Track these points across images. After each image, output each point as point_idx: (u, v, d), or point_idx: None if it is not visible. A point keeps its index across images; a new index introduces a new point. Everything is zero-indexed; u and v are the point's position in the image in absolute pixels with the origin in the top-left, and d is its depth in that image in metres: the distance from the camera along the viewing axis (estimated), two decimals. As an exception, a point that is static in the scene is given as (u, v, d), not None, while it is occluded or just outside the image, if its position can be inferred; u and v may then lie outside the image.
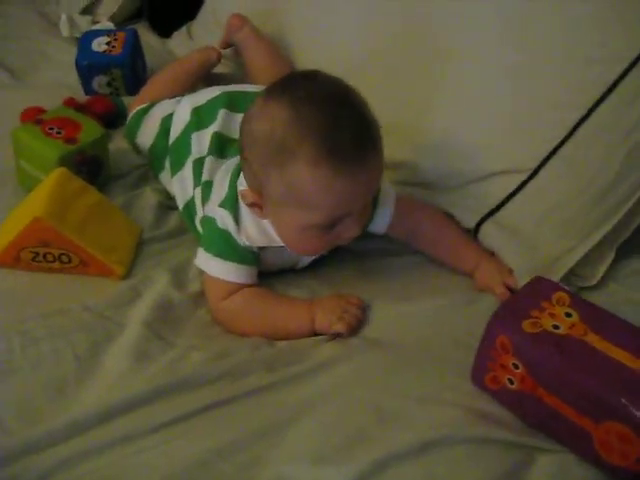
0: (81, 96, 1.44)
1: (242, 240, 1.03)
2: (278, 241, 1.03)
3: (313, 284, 1.11)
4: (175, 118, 1.23)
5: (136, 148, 1.31)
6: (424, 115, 1.19)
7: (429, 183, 1.18)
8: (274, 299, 1.05)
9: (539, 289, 0.90)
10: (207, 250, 1.05)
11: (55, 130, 1.17)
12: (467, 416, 0.87)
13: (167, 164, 1.22)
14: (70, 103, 1.33)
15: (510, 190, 1.09)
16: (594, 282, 1.06)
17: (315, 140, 0.90)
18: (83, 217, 1.07)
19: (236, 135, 1.13)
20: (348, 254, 1.14)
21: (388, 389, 0.90)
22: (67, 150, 1.15)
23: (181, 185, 1.18)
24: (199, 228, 1.13)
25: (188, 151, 1.18)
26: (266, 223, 1.03)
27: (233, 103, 1.21)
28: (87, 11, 1.69)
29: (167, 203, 1.23)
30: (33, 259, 1.06)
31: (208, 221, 1.07)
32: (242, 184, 1.03)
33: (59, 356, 0.95)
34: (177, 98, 1.28)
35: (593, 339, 0.82)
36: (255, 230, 1.03)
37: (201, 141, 1.17)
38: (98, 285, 1.07)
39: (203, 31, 1.61)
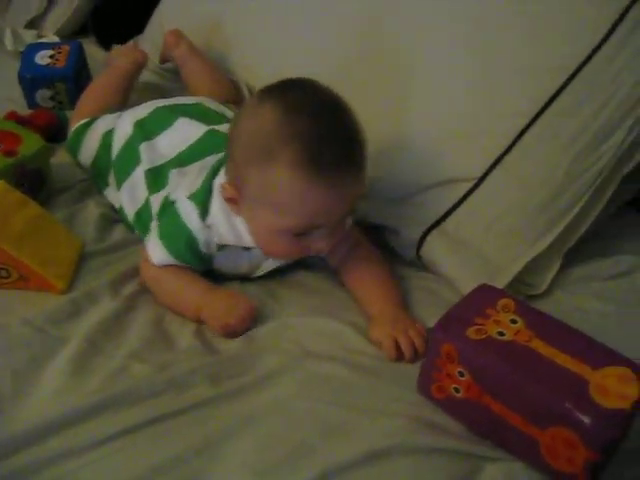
0: (24, 110, 1.41)
1: (202, 237, 1.03)
2: (247, 241, 1.04)
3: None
4: (117, 132, 1.22)
5: (79, 164, 1.29)
6: (370, 125, 1.18)
7: (375, 194, 1.17)
8: (181, 278, 1.04)
9: (483, 296, 0.89)
10: (159, 238, 1.05)
11: (-6, 143, 1.15)
12: (413, 426, 0.86)
13: (111, 179, 1.21)
14: (12, 116, 1.31)
15: (455, 200, 1.09)
16: (541, 290, 1.07)
17: (298, 146, 0.91)
18: (22, 231, 1.04)
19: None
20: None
21: (333, 402, 0.89)
22: (6, 163, 1.12)
23: (130, 195, 1.17)
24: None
25: (136, 162, 1.17)
26: (238, 221, 1.03)
27: (181, 114, 1.21)
28: (32, 25, 1.67)
29: (111, 216, 1.21)
30: (-30, 274, 1.03)
31: (171, 208, 1.07)
32: (222, 177, 1.04)
33: (-7, 372, 0.92)
34: (117, 113, 1.28)
35: (538, 345, 0.82)
36: (226, 227, 1.04)
37: (154, 151, 1.17)
38: (38, 300, 1.04)
39: (150, 45, 1.58)
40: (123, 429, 0.84)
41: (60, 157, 1.31)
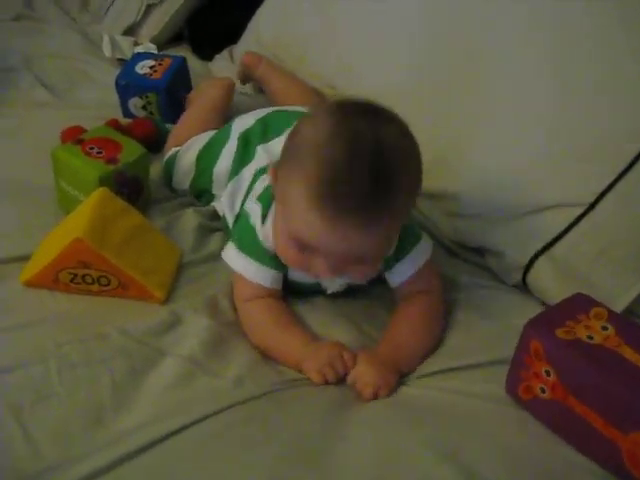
0: (122, 118, 1.43)
1: (262, 239, 1.02)
2: None
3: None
4: (231, 131, 1.22)
5: (173, 190, 1.30)
6: (474, 143, 1.16)
7: (477, 216, 1.14)
8: (283, 322, 1.02)
9: (577, 303, 0.90)
10: (234, 242, 1.05)
11: (95, 150, 1.15)
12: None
13: (216, 193, 1.21)
14: (112, 124, 1.31)
15: (565, 225, 1.05)
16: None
17: (317, 168, 0.86)
18: (123, 239, 1.04)
19: None
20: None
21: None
22: (107, 170, 1.12)
23: (230, 201, 1.16)
24: None
25: (249, 159, 1.17)
26: None
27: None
28: (129, 32, 1.68)
29: (209, 225, 1.20)
30: (72, 280, 1.03)
31: (243, 215, 1.06)
32: None
33: (96, 382, 0.92)
34: (208, 133, 1.28)
35: (626, 351, 0.82)
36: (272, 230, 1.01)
37: (268, 154, 1.15)
38: (137, 309, 1.04)
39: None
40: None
41: (157, 168, 1.31)
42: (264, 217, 1.02)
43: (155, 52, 1.57)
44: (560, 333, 0.84)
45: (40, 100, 1.49)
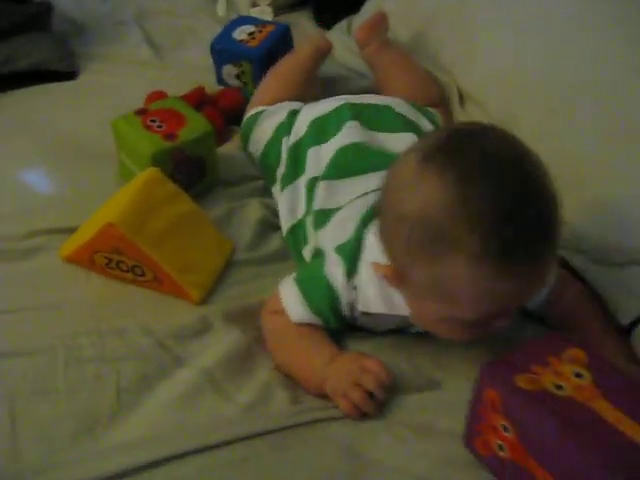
0: (215, 84, 1.33)
1: (345, 298, 0.87)
2: (403, 311, 0.85)
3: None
4: (294, 128, 1.09)
5: (249, 155, 1.18)
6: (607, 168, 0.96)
7: (586, 252, 0.95)
8: (307, 339, 0.88)
9: (550, 343, 0.75)
10: (298, 284, 0.90)
11: (156, 123, 1.05)
12: None
13: (278, 176, 1.09)
14: (197, 92, 1.22)
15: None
16: None
17: (483, 234, 0.71)
18: (165, 228, 0.95)
19: (365, 155, 1.01)
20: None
21: None
22: (163, 147, 1.02)
23: (289, 205, 1.04)
24: (306, 258, 0.99)
25: (302, 168, 1.05)
26: (393, 291, 0.84)
27: (361, 116, 1.06)
28: (249, -7, 1.58)
29: (273, 221, 1.08)
30: (107, 264, 0.96)
31: (318, 257, 0.93)
32: (373, 235, 0.85)
33: (101, 384, 0.86)
34: (293, 104, 1.15)
35: (602, 407, 0.68)
36: (376, 292, 0.86)
37: (319, 158, 1.04)
38: (169, 306, 0.95)
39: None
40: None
41: (237, 144, 1.20)
42: (350, 274, 0.87)
43: (267, 18, 1.45)
44: (521, 381, 0.70)
45: (143, 59, 1.42)
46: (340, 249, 0.89)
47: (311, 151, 1.04)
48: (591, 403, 0.68)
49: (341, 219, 0.95)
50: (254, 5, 1.54)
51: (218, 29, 1.45)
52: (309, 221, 0.99)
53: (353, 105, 1.08)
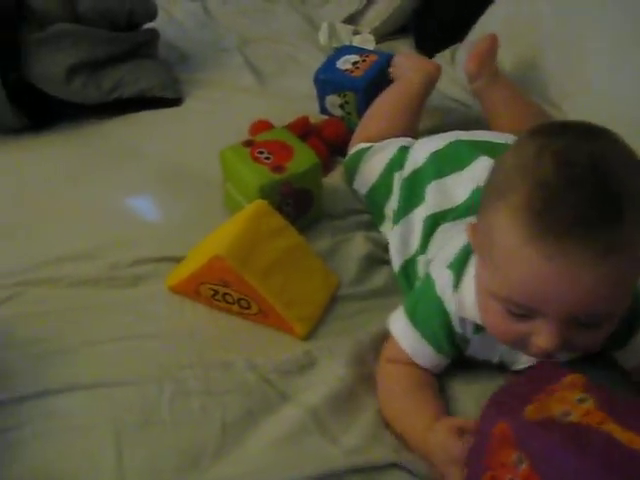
0: (318, 113, 1.33)
1: (452, 309, 0.84)
2: None
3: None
4: (408, 162, 1.07)
5: (353, 191, 1.16)
6: None
7: None
8: (413, 398, 0.85)
9: (546, 372, 0.72)
10: (408, 315, 0.88)
11: (264, 155, 1.05)
12: None
13: (388, 212, 1.07)
14: (300, 122, 1.22)
15: None
16: None
17: (530, 189, 0.69)
18: (272, 262, 0.94)
19: None
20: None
21: None
22: (271, 179, 1.02)
23: (402, 239, 1.02)
24: None
25: (418, 201, 1.02)
26: None
27: (484, 152, 1.01)
28: (351, 20, 1.58)
29: (379, 256, 1.06)
30: (212, 296, 0.96)
31: (426, 281, 0.89)
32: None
33: (206, 418, 0.85)
34: (402, 140, 1.13)
35: (613, 429, 0.65)
36: (473, 300, 0.83)
37: (442, 193, 1.00)
38: (273, 340, 0.94)
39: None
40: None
41: (340, 176, 1.19)
42: (457, 283, 0.85)
43: (369, 46, 1.44)
44: (530, 412, 0.67)
45: (244, 85, 1.44)
46: (451, 265, 0.87)
47: (432, 185, 1.01)
48: (602, 426, 0.65)
49: (453, 238, 0.92)
50: (356, 33, 1.54)
51: (320, 57, 1.47)
52: (422, 260, 0.97)
53: (471, 142, 1.05)
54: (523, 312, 0.73)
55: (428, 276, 0.89)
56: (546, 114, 1.22)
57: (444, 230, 0.96)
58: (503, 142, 1.04)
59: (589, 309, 0.71)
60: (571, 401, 0.68)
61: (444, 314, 0.85)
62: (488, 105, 1.24)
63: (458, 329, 0.86)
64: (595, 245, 0.67)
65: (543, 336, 0.72)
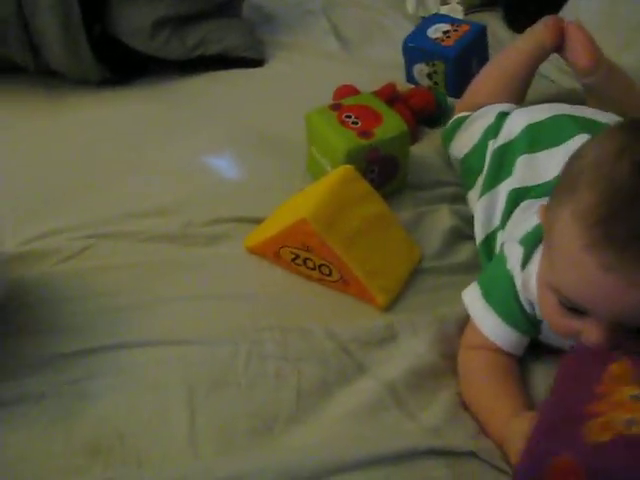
0: (404, 82, 1.28)
1: (520, 287, 0.82)
2: None
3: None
4: (502, 132, 1.02)
5: (449, 157, 1.12)
6: None
7: None
8: (495, 386, 0.82)
9: (582, 369, 0.65)
10: (481, 286, 0.86)
11: (352, 119, 1.01)
12: None
13: (479, 182, 1.02)
14: (387, 89, 1.17)
15: None
16: None
17: (596, 194, 0.67)
18: (356, 229, 0.91)
19: None
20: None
21: None
22: (358, 144, 0.99)
23: (486, 212, 0.98)
24: None
25: (506, 173, 0.98)
26: None
27: (585, 129, 0.96)
28: (441, -10, 1.52)
29: (464, 230, 1.02)
30: (293, 260, 0.93)
31: (499, 257, 0.87)
32: None
33: (281, 383, 0.83)
34: (503, 106, 1.07)
35: None
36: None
37: (531, 169, 0.96)
38: (353, 310, 0.91)
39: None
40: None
41: (425, 147, 1.15)
42: (525, 262, 0.82)
43: (458, 16, 1.39)
44: (591, 433, 0.58)
45: (329, 51, 1.39)
46: (523, 239, 0.84)
47: (522, 158, 0.97)
48: None
49: (528, 214, 0.89)
50: (444, 3, 1.49)
51: (406, 26, 1.42)
52: (500, 236, 0.93)
53: (573, 117, 0.99)
54: (574, 307, 0.72)
55: (501, 252, 0.87)
56: None
57: (526, 207, 0.92)
58: (606, 122, 0.98)
59: (637, 321, 0.70)
60: (629, 403, 0.62)
61: (514, 290, 0.83)
62: (603, 100, 1.11)
63: (527, 308, 0.83)
64: None
65: (592, 336, 0.71)
